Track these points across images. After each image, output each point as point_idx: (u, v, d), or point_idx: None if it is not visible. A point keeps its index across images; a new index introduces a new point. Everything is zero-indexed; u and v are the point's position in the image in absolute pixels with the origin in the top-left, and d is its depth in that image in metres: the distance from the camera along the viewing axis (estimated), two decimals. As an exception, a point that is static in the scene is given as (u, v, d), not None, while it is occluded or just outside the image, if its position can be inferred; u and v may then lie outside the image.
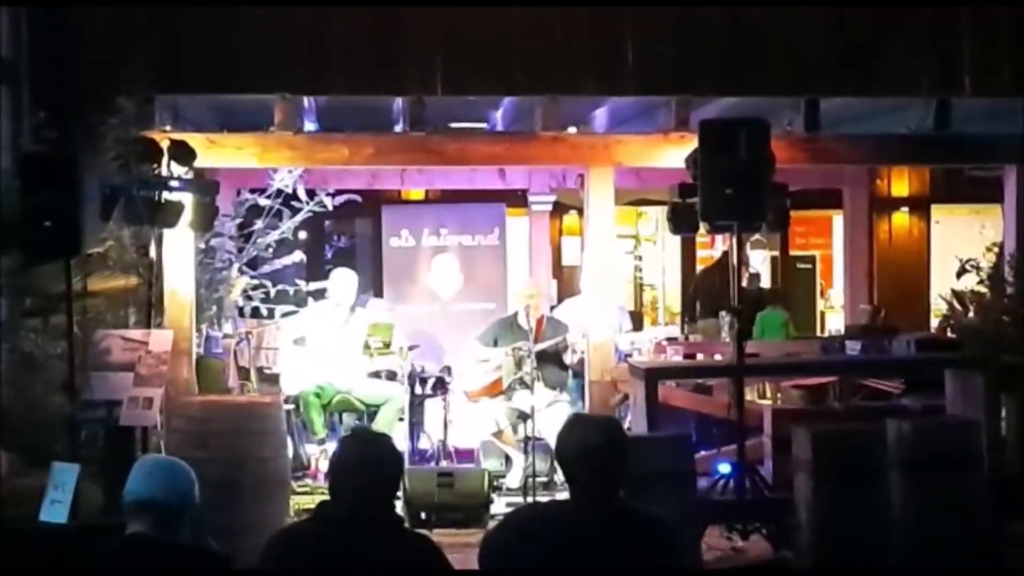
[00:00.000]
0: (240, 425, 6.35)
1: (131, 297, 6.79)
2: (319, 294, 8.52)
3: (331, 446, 7.69)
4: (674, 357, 8.47)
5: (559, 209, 12.34)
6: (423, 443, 8.40)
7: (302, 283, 9.01)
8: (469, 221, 10.18)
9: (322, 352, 8.09)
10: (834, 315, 13.64)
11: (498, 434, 7.86)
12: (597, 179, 7.71)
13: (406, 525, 3.47)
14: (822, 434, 5.40)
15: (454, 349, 9.08)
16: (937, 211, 13.05)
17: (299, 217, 8.79)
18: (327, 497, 3.24)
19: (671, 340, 8.88)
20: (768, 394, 8.22)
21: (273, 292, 8.80)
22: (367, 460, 3.21)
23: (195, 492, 3.37)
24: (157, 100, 7.31)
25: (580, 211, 10.61)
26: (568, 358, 8.01)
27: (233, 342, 8.50)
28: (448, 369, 8.65)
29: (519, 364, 7.72)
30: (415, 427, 8.31)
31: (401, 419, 7.92)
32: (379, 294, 10.13)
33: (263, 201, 8.73)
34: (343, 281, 8.21)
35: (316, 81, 7.57)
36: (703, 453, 6.88)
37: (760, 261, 13.17)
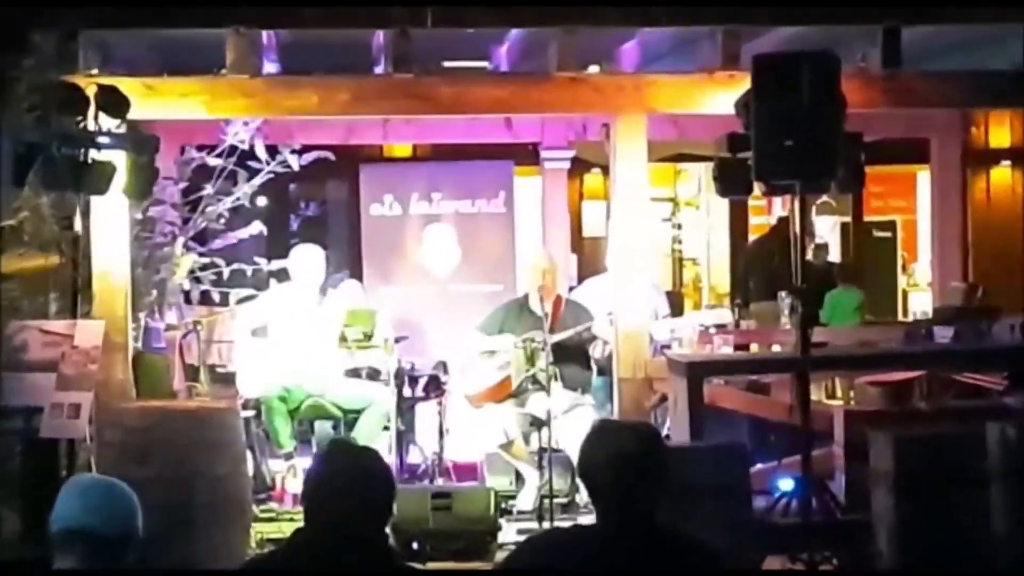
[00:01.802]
0: (188, 436, 6.37)
1: (51, 280, 6.82)
2: (284, 275, 8.55)
3: (300, 462, 7.74)
4: (722, 348, 8.55)
5: (579, 167, 12.38)
6: (414, 457, 8.41)
7: (262, 261, 8.98)
8: (468, 183, 10.22)
9: (288, 346, 8.10)
10: (919, 294, 13.68)
11: (507, 445, 7.88)
12: (626, 130, 7.72)
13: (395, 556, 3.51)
14: (907, 441, 5.42)
15: (451, 341, 9.09)
16: (1047, 165, 13.04)
17: (258, 180, 8.78)
18: (301, 524, 3.27)
19: (719, 328, 8.87)
20: (839, 393, 8.25)
21: (227, 272, 8.81)
22: (353, 478, 3.25)
23: (137, 519, 3.38)
24: (81, 36, 7.30)
25: (605, 169, 10.64)
26: (593, 351, 8.02)
27: (178, 335, 8.52)
28: (444, 366, 8.69)
29: (532, 359, 7.73)
30: (404, 437, 8.34)
31: (386, 428, 7.93)
32: (357, 274, 10.15)
33: (213, 160, 8.73)
34: (308, 259, 8.25)
35: (277, 12, 7.57)
36: (759, 466, 6.90)
37: (828, 229, 13.21)
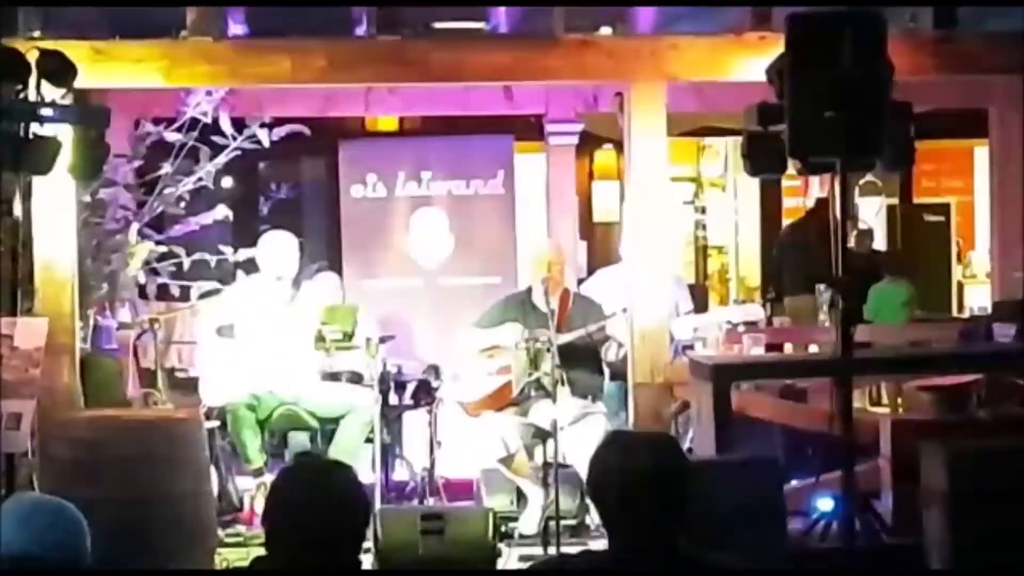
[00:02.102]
0: (144, 451, 6.37)
1: (-13, 273, 6.77)
2: (252, 266, 8.53)
3: (272, 479, 7.64)
4: (753, 349, 8.51)
5: (589, 143, 12.39)
6: (401, 473, 8.42)
7: (228, 250, 8.96)
8: (462, 161, 10.24)
9: (258, 347, 8.10)
10: (977, 287, 13.67)
11: (507, 460, 7.86)
12: (642, 100, 7.72)
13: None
14: (963, 455, 5.42)
15: (443, 341, 9.11)
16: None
17: (222, 158, 8.79)
18: (263, 551, 3.31)
19: (748, 325, 8.84)
20: (885, 400, 8.23)
21: (188, 263, 8.79)
22: (320, 497, 3.27)
23: (85, 545, 3.39)
24: (21, -6, 7.32)
25: (618, 145, 10.69)
26: (606, 353, 8.03)
27: (133, 334, 8.55)
28: (435, 370, 8.70)
29: (535, 362, 7.67)
30: (390, 451, 8.35)
31: (370, 440, 7.91)
32: (336, 266, 10.15)
33: (172, 136, 8.72)
34: (280, 249, 8.25)
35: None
36: (795, 483, 6.92)
37: (873, 213, 13.20)
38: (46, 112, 6.43)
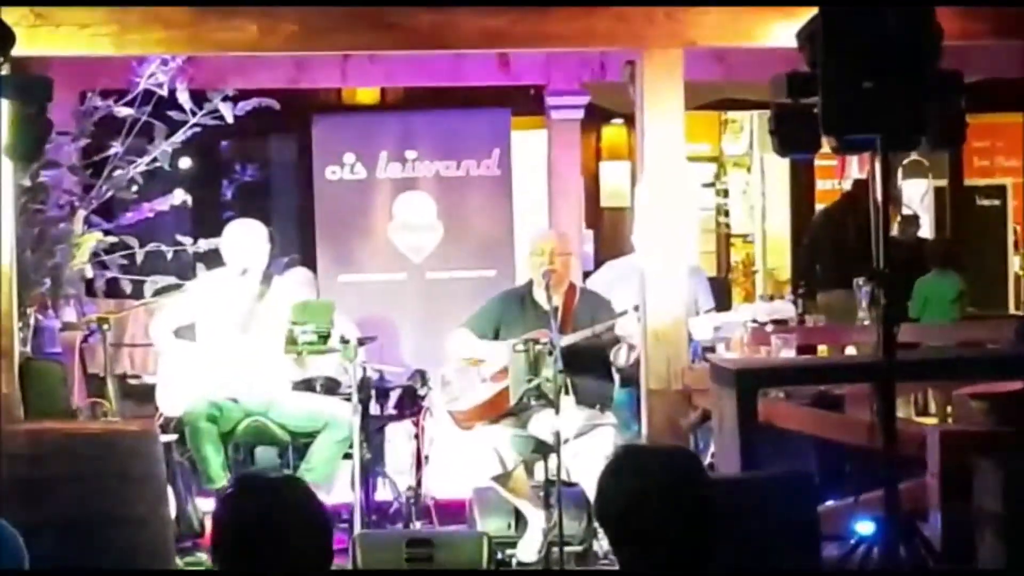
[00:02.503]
0: (92, 468, 6.39)
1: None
2: (214, 258, 8.52)
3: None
4: (782, 351, 8.50)
5: (596, 117, 12.42)
6: (384, 493, 8.44)
7: (187, 241, 8.94)
8: (452, 138, 10.26)
9: (221, 350, 8.13)
10: (1036, 280, 13.67)
11: (503, 478, 7.85)
12: (656, 68, 7.72)
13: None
14: (1021, 472, 5.41)
15: (431, 343, 9.11)
16: None
17: (180, 136, 8.79)
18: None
19: (777, 324, 8.84)
20: (933, 409, 8.27)
21: (141, 256, 8.81)
22: (270, 520, 3.26)
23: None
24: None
25: (629, 120, 10.67)
26: (616, 356, 7.99)
27: (79, 336, 8.54)
28: (422, 376, 8.73)
29: (536, 366, 7.53)
30: (371, 468, 8.35)
31: (348, 455, 7.91)
32: (310, 258, 10.16)
33: (122, 111, 8.72)
34: (246, 239, 8.24)
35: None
36: (831, 503, 6.91)
37: (919, 196, 13.22)
38: (-22, 84, 6.44)
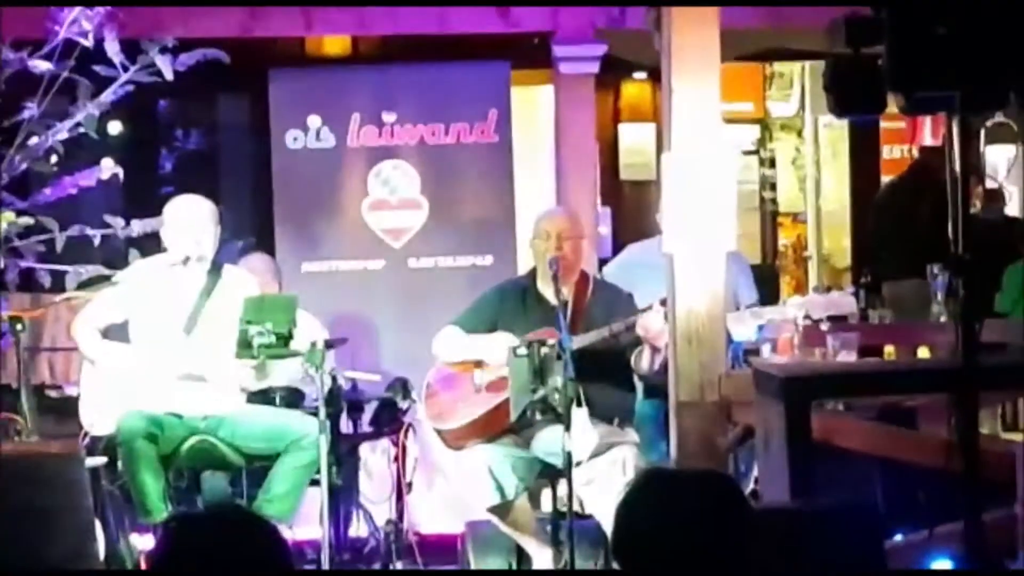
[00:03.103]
0: (6, 499, 6.40)
1: None
2: (152, 243, 8.51)
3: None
4: (841, 354, 8.23)
5: (613, 71, 12.35)
6: (359, 527, 8.49)
7: (117, 222, 8.90)
8: (439, 97, 10.26)
9: (159, 355, 8.12)
10: None
11: (502, 508, 7.87)
12: (687, 13, 7.70)
13: None
14: None
15: (414, 345, 9.06)
16: None
17: (109, 95, 8.75)
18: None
19: (834, 322, 8.67)
20: (1024, 423, 8.24)
21: (62, 241, 8.80)
22: (215, 561, 3.30)
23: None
24: None
25: (654, 74, 10.60)
26: (638, 361, 8.02)
27: (-13, 338, 8.51)
28: (403, 385, 8.75)
29: (542, 373, 7.53)
30: (343, 497, 8.41)
31: (315, 482, 7.86)
32: (267, 242, 10.19)
33: (39, 65, 8.68)
34: (189, 220, 8.22)
35: None
36: (899, 538, 6.93)
37: (1006, 166, 13.15)
38: None
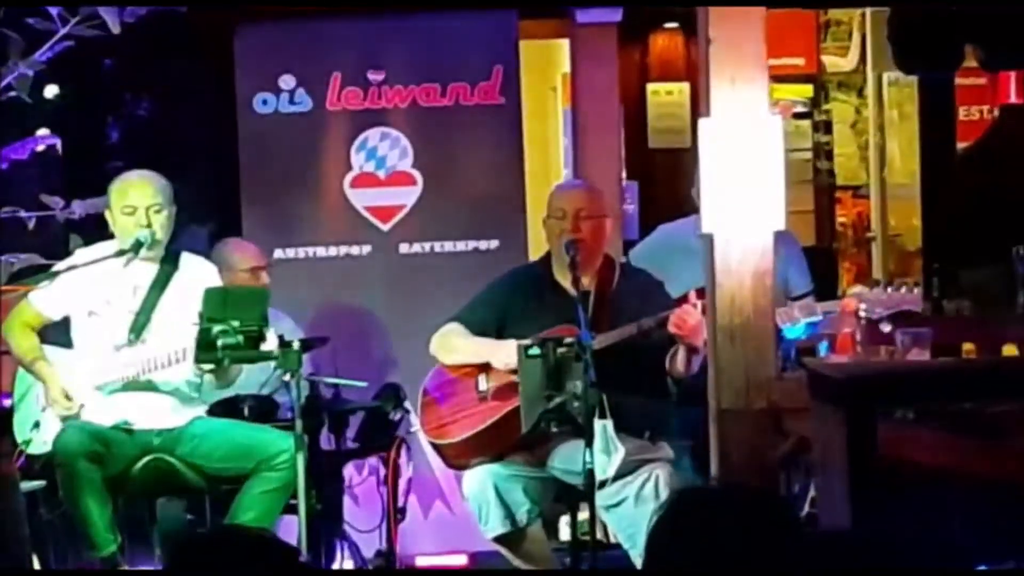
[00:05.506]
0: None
1: None
2: (97, 227, 8.45)
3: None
4: (912, 352, 8.20)
5: (640, 21, 12.32)
6: (342, 561, 8.50)
7: (55, 203, 8.86)
8: (436, 53, 10.15)
9: (106, 359, 8.11)
10: None
11: (513, 537, 7.88)
12: (725, -50, 7.56)
13: None
14: None
15: (407, 345, 9.24)
16: None
17: (45, 52, 8.66)
18: None
19: (904, 316, 8.57)
20: None
21: (-9, 227, 8.87)
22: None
23: None
24: None
25: (688, 24, 10.77)
26: (673, 362, 7.91)
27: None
28: (395, 392, 8.70)
29: (558, 378, 7.45)
30: (324, 525, 8.38)
31: (292, 508, 7.86)
32: (233, 226, 10.09)
33: (-39, 19, 8.71)
34: (140, 198, 8.15)
35: None
36: (983, 570, 6.63)
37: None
38: None
